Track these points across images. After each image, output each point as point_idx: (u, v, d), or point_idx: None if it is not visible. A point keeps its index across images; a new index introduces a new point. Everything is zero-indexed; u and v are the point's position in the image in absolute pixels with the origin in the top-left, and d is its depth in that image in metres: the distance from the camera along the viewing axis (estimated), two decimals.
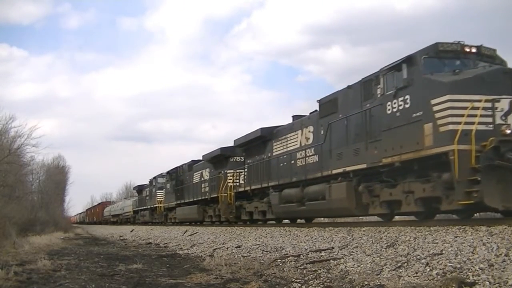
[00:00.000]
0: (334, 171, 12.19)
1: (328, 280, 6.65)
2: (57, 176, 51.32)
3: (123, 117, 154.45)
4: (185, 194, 26.67)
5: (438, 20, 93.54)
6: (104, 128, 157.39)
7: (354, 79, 12.83)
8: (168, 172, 30.93)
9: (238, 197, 18.97)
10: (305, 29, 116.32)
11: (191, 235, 18.60)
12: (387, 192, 10.57)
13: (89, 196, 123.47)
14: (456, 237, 7.28)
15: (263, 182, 16.45)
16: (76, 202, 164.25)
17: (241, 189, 18.52)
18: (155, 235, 22.66)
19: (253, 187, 17.36)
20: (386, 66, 10.64)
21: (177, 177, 28.98)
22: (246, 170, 18.58)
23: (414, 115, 9.60)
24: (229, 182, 19.81)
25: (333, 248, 8.91)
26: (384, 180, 10.66)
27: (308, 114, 14.91)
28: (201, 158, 26.21)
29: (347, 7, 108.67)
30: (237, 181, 19.46)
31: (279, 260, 8.81)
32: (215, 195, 20.88)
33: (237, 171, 19.57)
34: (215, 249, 12.50)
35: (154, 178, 34.86)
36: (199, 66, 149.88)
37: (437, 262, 6.20)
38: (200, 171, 24.71)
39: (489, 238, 6.72)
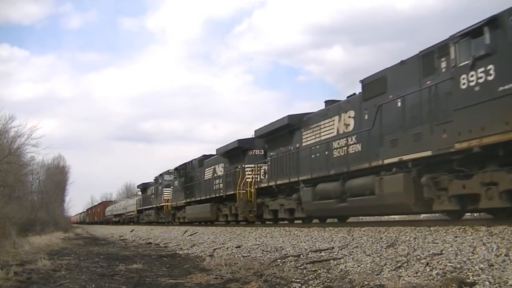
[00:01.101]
0: (387, 161, 10.35)
1: (328, 280, 6.63)
2: (57, 176, 51.46)
3: (123, 117, 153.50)
4: (196, 191, 24.54)
5: (439, 20, 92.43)
6: (105, 128, 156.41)
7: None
8: (176, 169, 28.73)
9: (259, 194, 16.97)
10: (306, 29, 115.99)
11: (191, 235, 18.24)
12: (459, 184, 8.72)
13: (89, 196, 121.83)
14: (456, 237, 7.21)
15: (291, 176, 14.52)
16: (76, 202, 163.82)
17: (264, 185, 16.48)
18: (155, 235, 22.32)
19: (278, 182, 15.38)
20: (458, 33, 8.84)
21: (186, 173, 26.74)
22: (269, 163, 16.61)
23: (501, 88, 7.76)
24: (248, 178, 17.90)
25: (333, 248, 8.87)
26: (455, 170, 8.84)
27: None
28: (206, 154, 24.88)
29: (348, 7, 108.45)
30: (257, 176, 17.50)
31: (279, 260, 8.75)
32: (232, 192, 18.90)
33: (258, 165, 17.59)
34: (215, 249, 12.40)
35: (160, 175, 32.82)
36: (200, 66, 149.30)
37: (437, 262, 6.17)
38: (213, 167, 22.66)
39: (489, 238, 6.65)
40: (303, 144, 14.36)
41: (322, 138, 13.36)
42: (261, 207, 16.90)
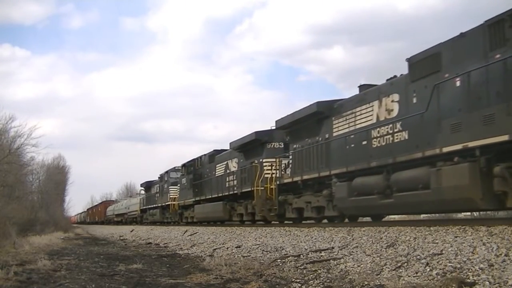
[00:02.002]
0: (446, 149, 8.82)
1: (328, 280, 6.62)
2: (57, 176, 50.79)
3: (124, 117, 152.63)
4: (206, 189, 22.85)
5: (440, 20, 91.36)
6: (105, 128, 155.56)
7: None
8: (183, 165, 26.88)
9: (281, 191, 15.31)
10: (307, 29, 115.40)
11: (191, 235, 18.04)
12: None
13: (89, 196, 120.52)
14: (456, 237, 7.16)
15: (321, 170, 12.94)
16: (76, 202, 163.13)
17: (288, 180, 14.81)
18: (155, 235, 22.15)
19: (305, 177, 13.76)
20: None
21: (195, 170, 25.03)
22: (291, 157, 15.08)
23: None
24: (267, 173, 16.34)
25: (333, 248, 8.85)
26: None
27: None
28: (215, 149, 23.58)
29: (348, 7, 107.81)
30: (276, 171, 15.87)
31: (279, 260, 8.75)
32: (248, 189, 17.30)
33: (279, 159, 15.97)
34: (215, 249, 12.38)
35: (166, 172, 31.19)
36: (200, 66, 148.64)
37: (437, 262, 6.16)
38: (225, 162, 21.04)
39: (489, 238, 6.60)
40: (334, 134, 12.83)
41: (358, 126, 11.84)
42: (283, 205, 15.27)
